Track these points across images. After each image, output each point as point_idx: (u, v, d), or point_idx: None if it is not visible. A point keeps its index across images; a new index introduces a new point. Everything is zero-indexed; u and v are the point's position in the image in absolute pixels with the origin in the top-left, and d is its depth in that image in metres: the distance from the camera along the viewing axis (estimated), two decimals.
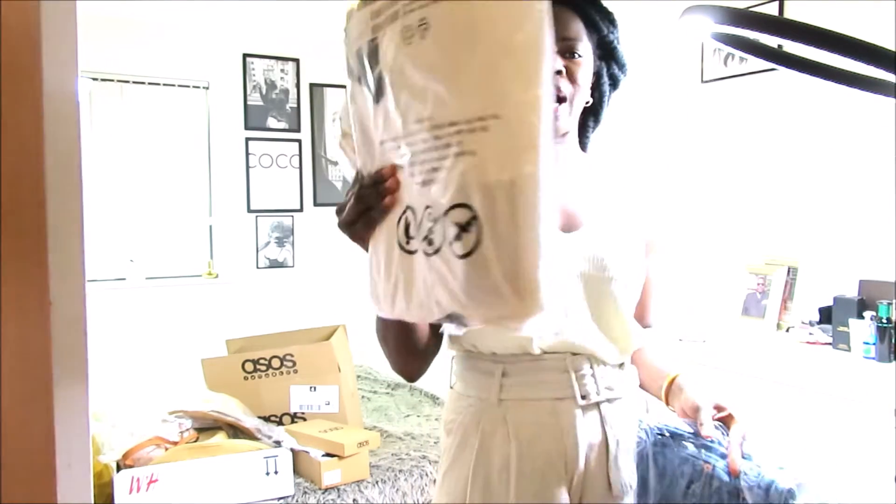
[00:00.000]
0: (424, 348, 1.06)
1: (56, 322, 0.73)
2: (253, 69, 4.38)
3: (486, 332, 1.05)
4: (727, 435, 0.98)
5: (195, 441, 2.19)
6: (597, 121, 1.20)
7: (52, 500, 0.71)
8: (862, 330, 1.98)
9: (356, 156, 0.83)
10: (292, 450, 2.20)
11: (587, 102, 1.11)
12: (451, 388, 1.14)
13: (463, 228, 0.66)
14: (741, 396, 2.00)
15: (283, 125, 4.48)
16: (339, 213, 0.85)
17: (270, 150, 4.45)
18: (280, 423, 2.48)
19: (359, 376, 3.35)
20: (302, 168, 4.55)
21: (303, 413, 2.47)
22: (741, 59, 2.63)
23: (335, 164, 4.66)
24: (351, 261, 4.60)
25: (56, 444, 0.72)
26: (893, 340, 1.92)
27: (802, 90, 2.43)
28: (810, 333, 2.17)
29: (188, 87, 4.29)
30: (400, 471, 2.31)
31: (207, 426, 2.27)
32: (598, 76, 1.12)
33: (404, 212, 0.75)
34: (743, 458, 0.95)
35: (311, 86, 4.55)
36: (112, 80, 4.09)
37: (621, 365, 1.10)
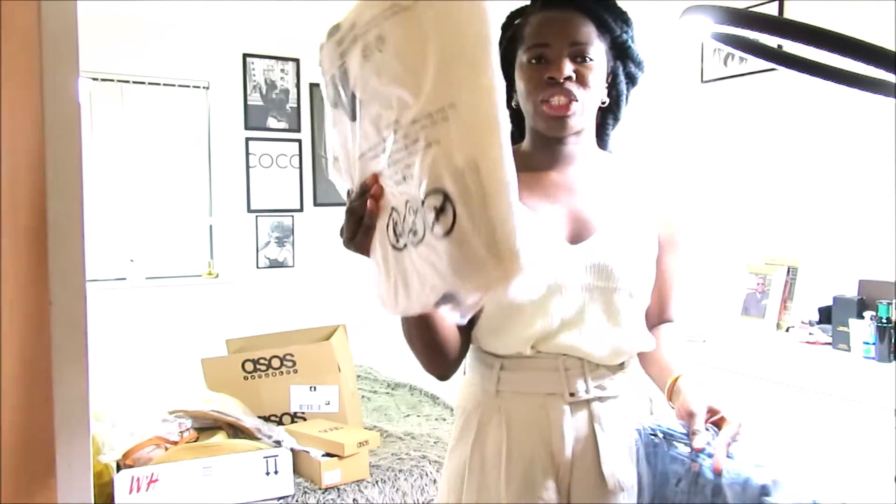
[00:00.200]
0: (451, 348, 1.11)
1: (56, 322, 0.73)
2: (253, 69, 4.38)
3: (487, 334, 1.13)
4: (717, 436, 0.99)
5: (195, 441, 2.19)
6: (616, 119, 1.23)
7: (52, 500, 0.71)
8: (862, 330, 1.98)
9: (347, 177, 0.90)
10: (292, 450, 2.20)
11: (603, 102, 1.15)
12: (464, 374, 1.22)
13: (440, 211, 0.72)
14: (741, 396, 2.00)
15: (283, 125, 4.48)
16: (341, 234, 0.90)
17: (270, 150, 4.45)
18: (280, 422, 2.48)
19: (359, 376, 3.35)
20: (302, 168, 4.55)
21: (303, 413, 2.47)
22: (741, 59, 2.63)
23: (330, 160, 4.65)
24: (351, 261, 4.59)
25: (56, 443, 0.72)
26: (893, 340, 1.92)
27: (802, 90, 2.42)
28: (810, 333, 2.17)
29: (188, 87, 4.29)
30: (400, 471, 2.31)
31: (207, 426, 2.27)
32: (614, 75, 1.16)
33: (391, 214, 0.81)
34: (728, 457, 0.96)
35: (311, 86, 4.55)
36: (112, 80, 4.09)
37: (621, 365, 1.14)
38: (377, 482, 2.23)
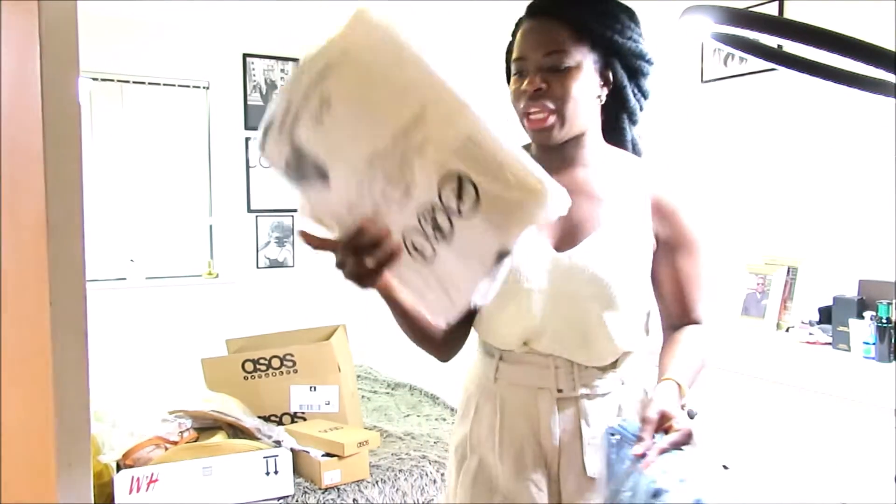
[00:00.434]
0: (444, 335, 1.18)
1: (56, 322, 0.73)
2: (253, 69, 4.38)
3: (484, 329, 1.21)
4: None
5: (195, 441, 2.19)
6: (630, 114, 1.22)
7: (52, 500, 0.71)
8: (862, 330, 1.98)
9: (335, 232, 0.95)
10: (292, 450, 2.20)
11: (599, 98, 1.14)
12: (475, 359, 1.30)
13: (460, 190, 0.78)
14: (741, 396, 2.00)
15: None
16: (339, 267, 0.92)
17: None
18: (280, 422, 2.48)
19: (359, 376, 3.35)
20: None
21: (303, 413, 2.47)
22: (741, 59, 2.63)
23: None
24: None
25: (56, 444, 0.72)
26: (893, 340, 1.92)
27: (802, 90, 2.42)
28: (810, 333, 2.17)
29: (188, 87, 4.29)
30: (400, 471, 2.31)
31: (207, 426, 2.27)
32: (612, 72, 1.15)
33: (404, 240, 0.84)
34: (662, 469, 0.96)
35: None
36: (112, 80, 4.09)
37: (614, 364, 1.17)
38: (377, 482, 2.23)
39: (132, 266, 4.13)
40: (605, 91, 1.15)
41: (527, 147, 1.19)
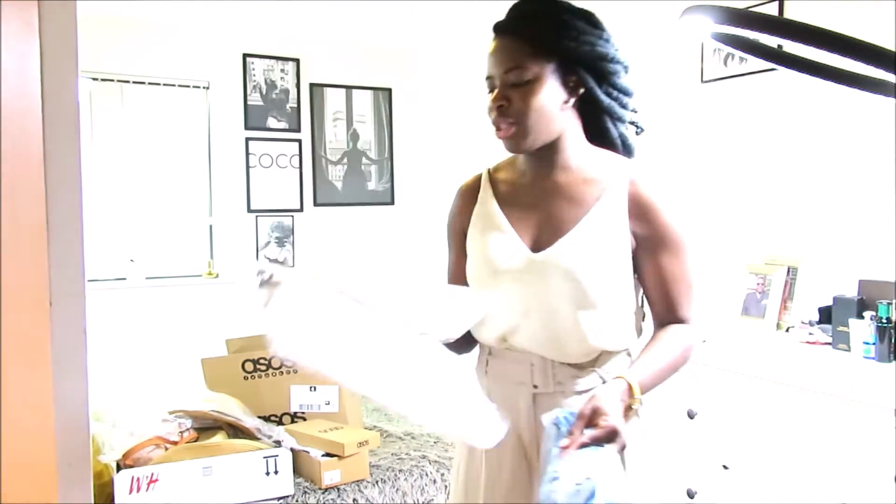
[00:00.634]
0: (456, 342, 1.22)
1: (56, 322, 0.73)
2: (253, 69, 4.38)
3: (475, 326, 1.24)
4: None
5: (195, 441, 2.19)
6: (612, 116, 1.24)
7: (52, 500, 0.71)
8: (862, 330, 1.98)
9: None
10: (292, 450, 2.20)
11: (569, 105, 1.18)
12: None
13: None
14: (741, 396, 2.00)
15: (283, 125, 4.48)
16: None
17: (270, 150, 4.45)
18: (280, 422, 2.48)
19: None
20: (302, 168, 4.55)
21: (303, 413, 2.47)
22: (741, 59, 2.63)
23: (335, 163, 4.66)
24: (351, 261, 4.60)
25: (56, 444, 0.72)
26: (893, 340, 1.92)
27: (802, 90, 2.42)
28: (810, 333, 2.17)
29: (188, 87, 4.29)
30: (400, 471, 2.31)
31: (207, 426, 2.27)
32: (579, 78, 1.18)
33: None
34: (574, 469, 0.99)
35: (311, 86, 4.55)
36: (112, 80, 4.09)
37: (594, 361, 1.20)
38: (377, 482, 2.23)
39: (132, 266, 4.13)
40: (573, 97, 1.18)
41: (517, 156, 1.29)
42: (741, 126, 2.67)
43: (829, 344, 2.11)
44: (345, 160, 4.69)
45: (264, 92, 4.42)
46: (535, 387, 1.21)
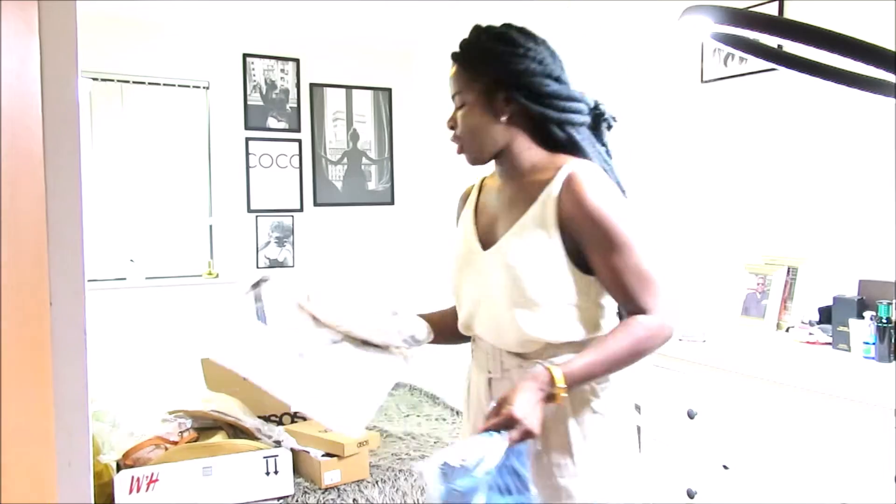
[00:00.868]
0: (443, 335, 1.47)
1: (56, 322, 0.73)
2: (253, 69, 4.38)
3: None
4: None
5: (195, 441, 2.19)
6: (557, 123, 1.31)
7: (52, 500, 0.71)
8: (862, 330, 1.98)
9: None
10: (292, 450, 2.20)
11: (508, 120, 1.30)
12: None
13: None
14: (741, 396, 2.00)
15: (283, 125, 4.48)
16: None
17: (270, 150, 4.45)
18: (280, 423, 2.48)
19: None
20: (302, 168, 4.55)
21: (303, 413, 2.47)
22: (741, 59, 2.63)
23: (335, 163, 4.66)
24: (351, 261, 4.60)
25: (56, 444, 0.72)
26: (893, 340, 1.92)
27: (802, 90, 2.42)
28: (810, 333, 2.17)
29: (188, 87, 4.29)
30: (400, 471, 2.31)
31: (207, 426, 2.27)
32: (510, 95, 1.30)
33: None
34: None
35: (311, 86, 4.55)
36: (112, 80, 4.09)
37: (540, 352, 1.29)
38: (377, 482, 2.23)
39: (132, 266, 4.13)
40: (507, 113, 1.30)
41: None
42: (741, 126, 2.67)
43: (829, 344, 2.11)
44: (345, 160, 4.69)
45: (264, 92, 4.42)
46: (489, 372, 1.36)
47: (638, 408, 2.61)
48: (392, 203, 4.86)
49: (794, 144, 2.49)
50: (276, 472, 2.11)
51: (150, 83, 4.18)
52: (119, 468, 2.03)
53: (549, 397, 1.16)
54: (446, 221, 1.56)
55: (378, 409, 1.34)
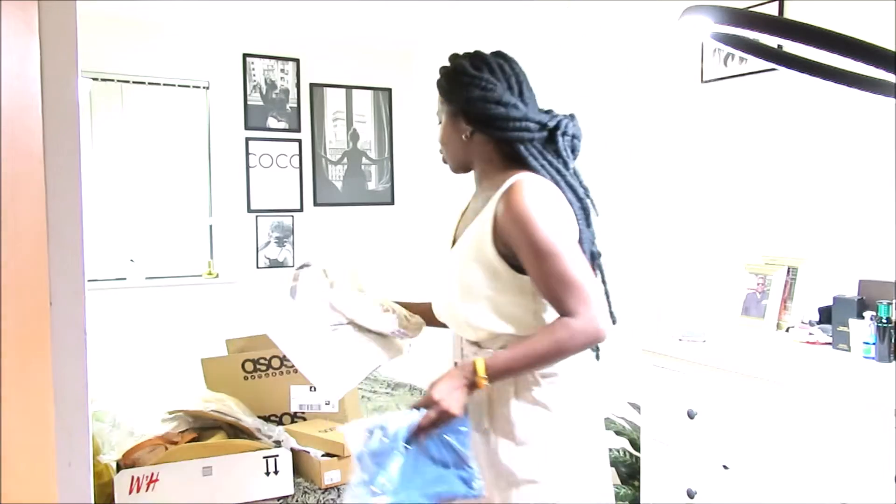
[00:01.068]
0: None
1: (56, 322, 0.73)
2: (253, 69, 4.38)
3: None
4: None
5: (195, 441, 2.19)
6: (503, 140, 1.48)
7: (52, 500, 0.71)
8: (862, 330, 1.98)
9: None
10: (292, 449, 2.20)
11: (469, 137, 1.51)
12: None
13: None
14: (741, 396, 2.00)
15: (283, 125, 4.48)
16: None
17: (270, 150, 4.45)
18: (280, 422, 2.48)
19: None
20: (302, 168, 4.55)
21: (303, 413, 2.47)
22: (741, 59, 2.63)
23: (335, 163, 4.66)
24: (350, 261, 4.60)
25: (56, 444, 0.72)
26: (893, 340, 1.92)
27: (802, 90, 2.42)
28: (810, 333, 2.17)
29: (188, 87, 4.29)
30: None
31: (207, 426, 2.27)
32: (467, 118, 1.50)
33: None
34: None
35: (311, 86, 4.55)
36: (112, 80, 4.09)
37: (491, 342, 1.45)
38: None
39: (132, 266, 4.13)
40: (467, 132, 1.50)
41: None
42: (741, 126, 2.67)
43: (829, 344, 2.11)
44: (345, 160, 4.69)
45: (264, 92, 4.42)
46: (455, 358, 1.56)
47: (638, 408, 2.61)
48: (392, 203, 4.86)
49: (794, 144, 2.49)
50: (276, 472, 2.11)
51: (150, 83, 4.18)
52: (119, 468, 2.02)
53: (472, 385, 1.36)
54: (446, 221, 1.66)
55: (360, 381, 1.71)
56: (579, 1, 3.35)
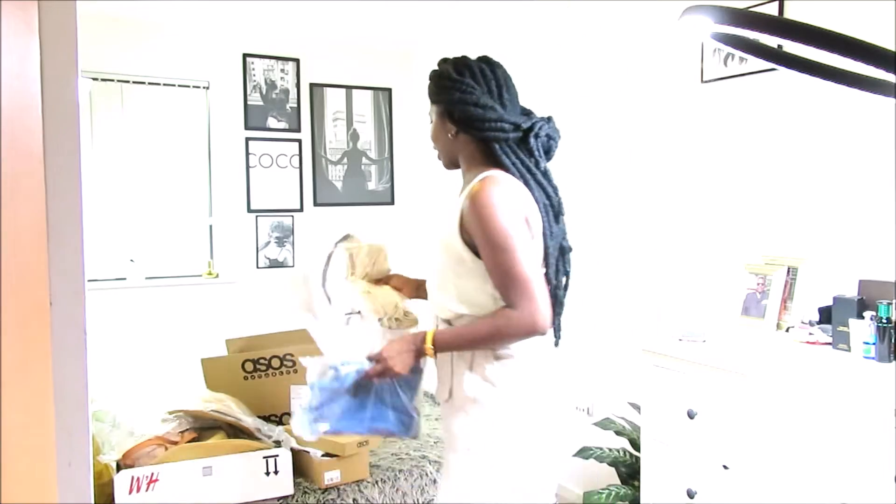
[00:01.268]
0: None
1: (56, 322, 0.73)
2: (253, 69, 4.38)
3: None
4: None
5: (195, 441, 2.19)
6: (486, 142, 1.60)
7: (52, 500, 0.71)
8: (862, 330, 1.97)
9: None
10: (292, 449, 2.20)
11: (454, 136, 1.65)
12: None
13: None
14: (741, 396, 2.00)
15: (283, 125, 4.48)
16: None
17: (270, 150, 4.45)
18: (280, 422, 2.48)
19: None
20: (302, 168, 4.55)
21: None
22: (741, 59, 2.63)
23: (335, 163, 4.66)
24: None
25: (56, 444, 0.72)
26: (893, 340, 1.92)
27: (802, 90, 2.42)
28: (810, 333, 2.17)
29: (188, 87, 4.29)
30: (400, 471, 2.31)
31: (207, 426, 2.27)
32: (451, 118, 1.64)
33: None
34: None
35: (311, 86, 4.55)
36: (112, 80, 4.09)
37: (458, 320, 1.61)
38: (377, 482, 2.24)
39: (132, 266, 4.13)
40: (452, 131, 1.64)
41: None
42: (741, 126, 2.67)
43: (829, 344, 2.11)
44: (345, 160, 4.69)
45: (264, 92, 4.42)
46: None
47: (638, 408, 2.61)
48: (392, 203, 4.86)
49: (793, 144, 2.49)
50: (276, 472, 2.11)
51: (150, 83, 4.18)
52: (119, 468, 2.02)
53: (420, 352, 1.58)
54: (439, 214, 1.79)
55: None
56: (579, 1, 3.35)
